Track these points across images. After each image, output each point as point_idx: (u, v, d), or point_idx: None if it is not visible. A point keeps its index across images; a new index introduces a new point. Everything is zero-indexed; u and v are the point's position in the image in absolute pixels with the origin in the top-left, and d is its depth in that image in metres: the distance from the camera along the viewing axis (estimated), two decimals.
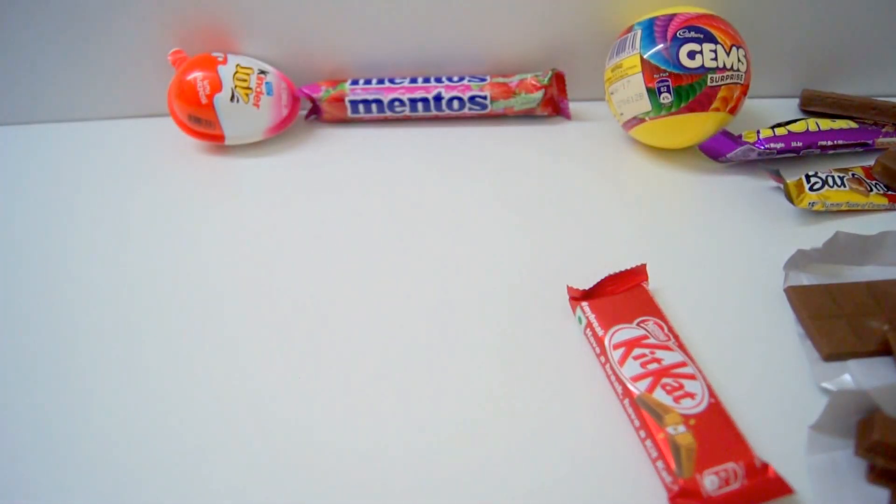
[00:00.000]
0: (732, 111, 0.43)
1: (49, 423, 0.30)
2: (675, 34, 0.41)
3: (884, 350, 0.31)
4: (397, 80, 0.49)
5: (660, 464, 0.27)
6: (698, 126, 0.43)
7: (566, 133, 0.49)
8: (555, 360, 0.32)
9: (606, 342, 0.31)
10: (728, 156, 0.44)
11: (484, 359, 0.33)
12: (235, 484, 0.28)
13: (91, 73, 0.49)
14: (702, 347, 0.32)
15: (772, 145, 0.43)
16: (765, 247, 0.38)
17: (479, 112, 0.49)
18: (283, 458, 0.28)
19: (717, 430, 0.27)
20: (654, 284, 0.35)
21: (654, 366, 0.30)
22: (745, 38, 0.43)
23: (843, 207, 0.40)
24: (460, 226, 0.41)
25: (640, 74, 0.42)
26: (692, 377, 0.29)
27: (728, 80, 0.41)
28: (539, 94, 0.48)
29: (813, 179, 0.41)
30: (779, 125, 0.45)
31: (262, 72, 0.46)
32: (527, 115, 0.50)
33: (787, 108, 0.50)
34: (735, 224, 0.40)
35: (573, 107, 0.51)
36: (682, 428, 0.27)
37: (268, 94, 0.45)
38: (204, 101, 0.44)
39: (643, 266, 0.35)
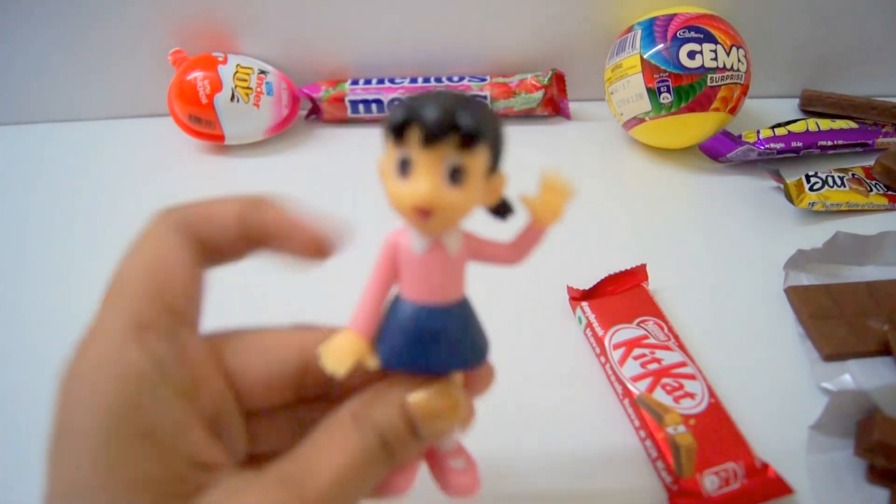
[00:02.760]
0: (732, 111, 0.43)
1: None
2: (675, 34, 0.41)
3: (884, 350, 0.31)
4: (397, 80, 0.49)
5: (660, 464, 0.27)
6: (698, 126, 0.43)
7: (566, 133, 0.49)
8: (554, 359, 0.32)
9: (606, 342, 0.32)
10: (728, 156, 0.44)
11: None
12: None
13: (91, 72, 0.49)
14: (702, 347, 0.32)
15: (772, 145, 0.44)
16: (765, 247, 0.38)
17: None
18: None
19: (717, 430, 0.27)
20: (654, 284, 0.35)
21: (654, 366, 0.30)
22: (745, 38, 0.43)
23: (843, 207, 0.40)
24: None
25: (640, 74, 0.42)
26: (692, 377, 0.29)
27: (728, 80, 0.41)
28: (539, 94, 0.48)
29: (813, 179, 0.41)
30: (779, 125, 0.45)
31: (263, 72, 0.46)
32: (527, 115, 0.50)
33: (787, 108, 0.50)
34: (735, 224, 0.40)
35: (573, 107, 0.51)
36: (682, 428, 0.27)
37: (268, 93, 0.45)
38: (204, 100, 0.44)
39: (643, 266, 0.35)
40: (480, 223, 0.20)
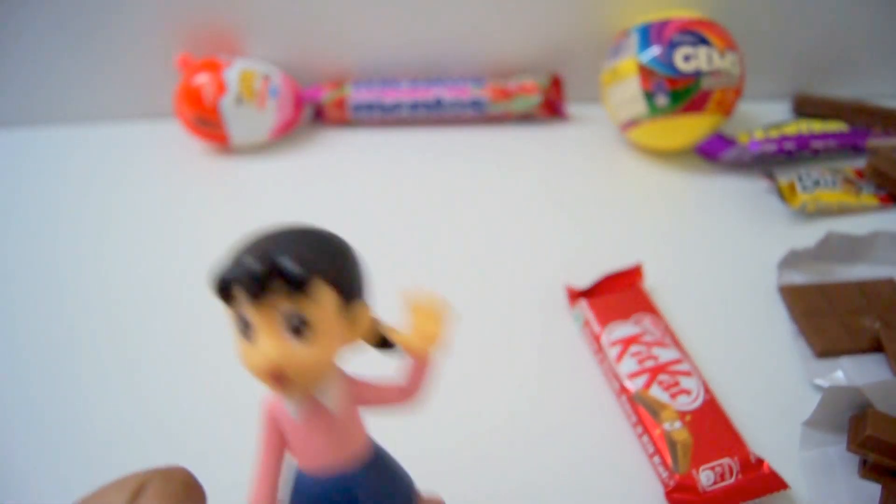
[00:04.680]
0: (726, 113, 0.44)
1: (58, 425, 0.30)
2: (671, 38, 0.42)
3: (875, 347, 0.32)
4: (399, 84, 0.49)
5: (656, 459, 0.28)
6: (693, 128, 0.43)
7: (564, 135, 0.49)
8: (553, 356, 0.33)
9: (603, 339, 0.32)
10: (722, 157, 0.44)
11: (483, 355, 0.33)
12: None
13: (98, 74, 0.49)
14: (697, 345, 0.32)
15: (765, 147, 0.44)
16: (759, 246, 0.39)
17: (478, 115, 0.49)
18: None
19: (712, 426, 0.28)
20: (650, 283, 0.36)
21: (650, 363, 0.30)
22: (739, 41, 0.44)
23: (835, 208, 0.41)
24: (460, 226, 0.41)
25: (636, 77, 0.43)
26: (688, 374, 0.30)
27: (722, 83, 0.42)
28: (537, 97, 0.49)
29: (805, 180, 0.42)
30: (772, 127, 0.46)
31: (267, 74, 0.46)
32: (525, 118, 0.50)
33: (780, 110, 0.51)
34: (730, 224, 0.41)
35: (570, 109, 0.51)
36: (678, 424, 0.28)
37: (272, 96, 0.46)
38: (209, 103, 0.44)
39: (640, 265, 0.36)
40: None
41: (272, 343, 0.15)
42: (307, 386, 0.16)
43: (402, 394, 0.17)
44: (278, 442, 0.17)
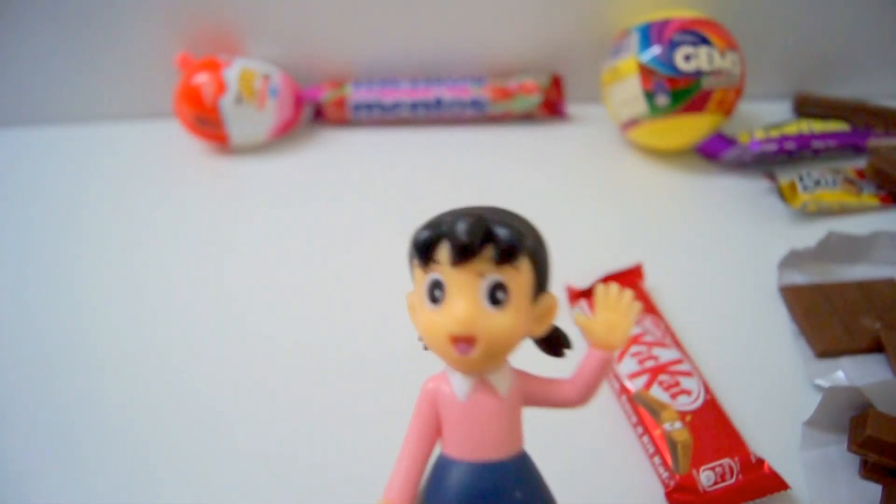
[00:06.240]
0: (727, 113, 0.43)
1: (58, 424, 0.30)
2: (671, 38, 0.42)
3: (875, 347, 0.32)
4: (399, 84, 0.49)
5: (656, 459, 0.28)
6: (694, 128, 0.43)
7: (564, 135, 0.49)
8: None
9: None
10: (723, 157, 0.44)
11: None
12: (235, 484, 0.28)
13: (97, 74, 0.49)
14: (698, 345, 0.32)
15: (765, 147, 0.44)
16: (759, 246, 0.39)
17: (478, 115, 0.49)
18: (284, 461, 0.29)
19: (712, 427, 0.28)
20: (651, 283, 0.36)
21: (650, 363, 0.30)
22: (740, 41, 0.44)
23: (836, 208, 0.41)
24: None
25: (637, 77, 0.43)
26: (688, 374, 0.30)
27: (723, 83, 0.42)
28: (537, 97, 0.49)
29: (806, 180, 0.41)
30: (772, 127, 0.46)
31: (267, 74, 0.46)
32: (525, 118, 0.50)
33: (781, 110, 0.51)
34: (730, 224, 0.41)
35: (571, 109, 0.51)
36: (678, 424, 0.28)
37: (272, 96, 0.46)
38: (209, 103, 0.44)
39: (640, 265, 0.36)
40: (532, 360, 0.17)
41: (468, 305, 0.14)
42: (490, 357, 0.15)
43: (575, 391, 0.17)
44: (431, 425, 0.16)
